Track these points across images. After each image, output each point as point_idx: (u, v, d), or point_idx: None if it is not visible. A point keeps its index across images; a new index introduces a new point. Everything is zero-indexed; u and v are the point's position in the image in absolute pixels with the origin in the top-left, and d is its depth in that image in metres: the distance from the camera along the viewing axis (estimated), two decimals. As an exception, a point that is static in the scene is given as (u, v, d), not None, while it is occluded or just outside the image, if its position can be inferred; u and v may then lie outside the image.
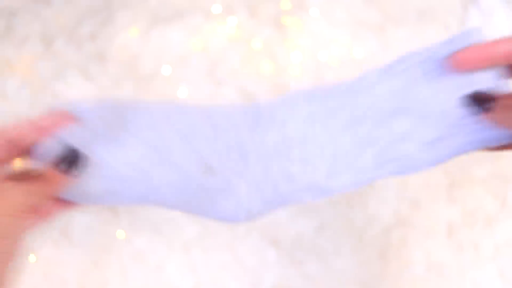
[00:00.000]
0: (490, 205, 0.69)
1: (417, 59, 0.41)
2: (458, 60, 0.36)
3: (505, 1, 0.80)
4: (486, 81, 0.37)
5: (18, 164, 0.35)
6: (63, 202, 0.36)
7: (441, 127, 0.40)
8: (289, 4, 0.82)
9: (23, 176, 0.33)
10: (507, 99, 0.36)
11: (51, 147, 0.36)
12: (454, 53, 0.38)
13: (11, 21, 0.82)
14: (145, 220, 0.70)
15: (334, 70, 0.78)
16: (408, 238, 0.68)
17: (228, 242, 0.68)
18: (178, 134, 0.42)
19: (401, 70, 0.42)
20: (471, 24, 0.79)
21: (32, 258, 0.68)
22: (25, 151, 0.35)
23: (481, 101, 0.36)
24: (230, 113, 0.44)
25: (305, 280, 0.67)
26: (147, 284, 0.67)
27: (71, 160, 0.35)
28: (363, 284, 0.67)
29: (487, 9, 0.79)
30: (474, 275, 0.65)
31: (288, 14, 0.82)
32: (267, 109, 0.44)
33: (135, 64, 0.79)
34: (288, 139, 0.43)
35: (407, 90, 0.41)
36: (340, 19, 0.82)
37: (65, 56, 0.80)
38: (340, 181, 0.42)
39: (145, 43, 0.81)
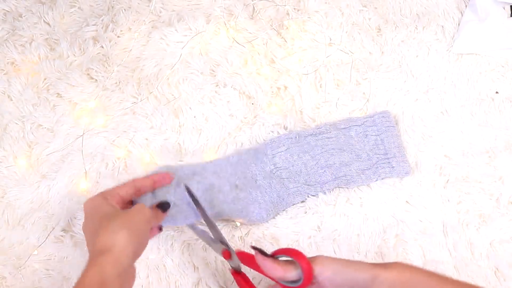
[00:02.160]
0: (485, 204, 0.70)
1: (353, 123, 0.74)
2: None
3: (500, 3, 0.81)
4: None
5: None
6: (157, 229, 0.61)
7: (367, 164, 0.71)
8: (289, 7, 0.83)
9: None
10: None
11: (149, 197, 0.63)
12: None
13: (16, 24, 0.84)
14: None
15: (332, 71, 0.79)
16: (405, 236, 0.68)
17: (227, 241, 0.69)
18: (212, 174, 0.68)
19: (342, 128, 0.73)
20: (467, 26, 0.80)
21: (35, 255, 0.69)
22: (141, 194, 0.61)
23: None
24: (240, 155, 0.71)
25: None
26: (149, 282, 0.68)
27: (166, 206, 0.61)
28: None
29: (482, 11, 0.80)
30: (470, 273, 0.66)
31: (288, 17, 0.83)
32: (262, 147, 0.72)
33: (137, 66, 0.80)
34: (277, 167, 0.72)
35: (346, 139, 0.73)
36: (338, 22, 0.83)
37: (68, 58, 0.81)
38: (313, 187, 0.71)
39: (146, 46, 0.82)
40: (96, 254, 0.48)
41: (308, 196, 0.71)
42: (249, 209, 0.68)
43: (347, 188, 0.71)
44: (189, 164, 0.70)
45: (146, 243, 0.53)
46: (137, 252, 0.51)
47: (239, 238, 0.69)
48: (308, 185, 0.71)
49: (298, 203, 0.71)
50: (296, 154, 0.72)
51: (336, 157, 0.72)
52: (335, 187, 0.71)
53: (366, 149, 0.73)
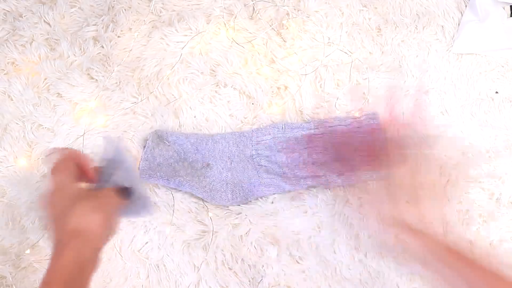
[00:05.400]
0: (485, 203, 0.70)
1: (340, 123, 0.74)
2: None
3: (500, 3, 0.81)
4: None
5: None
6: None
7: (348, 165, 0.70)
8: (289, 7, 0.83)
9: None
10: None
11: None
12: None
13: (16, 24, 0.84)
14: (146, 221, 0.70)
15: (332, 71, 0.79)
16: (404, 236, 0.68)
17: (228, 241, 0.69)
18: (192, 146, 0.71)
19: (328, 126, 0.73)
20: (467, 27, 0.80)
21: (34, 255, 0.69)
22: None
23: None
24: (224, 135, 0.73)
25: (303, 277, 0.68)
26: (149, 282, 0.68)
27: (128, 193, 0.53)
28: (360, 281, 0.67)
29: (482, 11, 0.80)
30: (470, 273, 0.66)
31: (288, 17, 0.83)
32: (249, 133, 0.74)
33: (137, 66, 0.80)
34: (259, 154, 0.73)
35: (331, 138, 0.73)
36: (338, 22, 0.83)
37: (69, 58, 0.81)
38: (289, 180, 0.70)
39: (147, 45, 0.82)
40: (70, 235, 0.47)
41: (281, 188, 0.71)
42: (213, 187, 0.70)
43: (326, 188, 0.71)
44: (171, 132, 0.72)
45: (117, 229, 0.52)
46: (108, 237, 0.51)
47: (239, 238, 0.70)
48: (285, 177, 0.71)
49: (270, 194, 0.71)
50: (279, 144, 0.73)
51: (319, 155, 0.72)
52: (312, 186, 0.71)
53: (349, 149, 0.73)
